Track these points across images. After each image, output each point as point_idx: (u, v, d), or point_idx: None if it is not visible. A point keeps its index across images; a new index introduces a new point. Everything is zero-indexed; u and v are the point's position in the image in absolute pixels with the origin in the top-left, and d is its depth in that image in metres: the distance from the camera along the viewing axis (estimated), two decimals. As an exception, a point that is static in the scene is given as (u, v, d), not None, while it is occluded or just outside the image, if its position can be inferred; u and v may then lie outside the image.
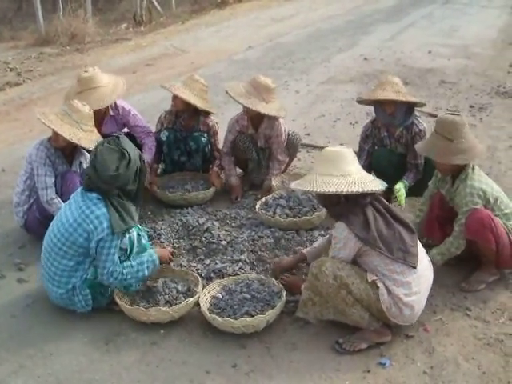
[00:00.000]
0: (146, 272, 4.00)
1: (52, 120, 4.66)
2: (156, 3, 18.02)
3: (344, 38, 13.18)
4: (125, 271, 3.88)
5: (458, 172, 4.17)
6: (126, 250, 3.98)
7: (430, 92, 8.98)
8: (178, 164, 5.86)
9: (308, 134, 7.25)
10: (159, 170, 5.91)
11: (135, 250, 4.06)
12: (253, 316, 3.70)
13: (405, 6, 17.68)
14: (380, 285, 3.52)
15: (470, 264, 4.30)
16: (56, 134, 4.70)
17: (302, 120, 7.79)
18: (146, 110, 7.58)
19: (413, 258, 3.56)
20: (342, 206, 3.62)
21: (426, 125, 5.20)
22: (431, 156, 4.28)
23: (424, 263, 3.69)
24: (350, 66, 10.69)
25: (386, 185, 3.72)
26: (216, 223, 4.98)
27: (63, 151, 4.88)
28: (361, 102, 5.51)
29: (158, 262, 4.09)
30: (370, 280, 3.52)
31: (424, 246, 3.90)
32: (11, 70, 11.75)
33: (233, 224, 5.07)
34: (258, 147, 5.71)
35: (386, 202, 3.77)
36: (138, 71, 11.00)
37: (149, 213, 5.36)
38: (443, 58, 11.08)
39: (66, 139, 4.64)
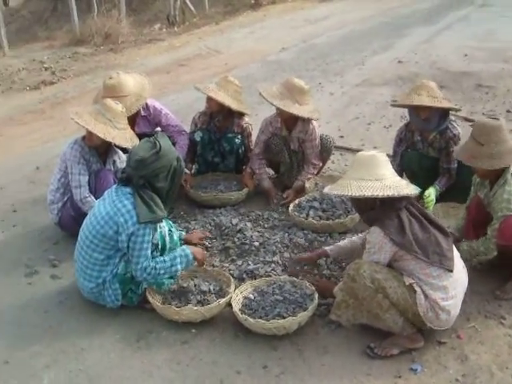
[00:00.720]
0: (179, 267, 4.00)
1: (86, 119, 4.69)
2: (189, 4, 18.10)
3: (379, 41, 13.09)
4: (158, 266, 3.89)
5: (496, 177, 4.09)
6: (158, 244, 4.00)
7: (465, 96, 8.85)
8: (211, 165, 5.87)
9: (342, 137, 7.21)
10: (193, 170, 5.91)
11: (168, 245, 4.08)
12: (284, 318, 3.68)
13: (441, 8, 17.48)
14: (417, 289, 3.47)
15: (505, 271, 4.20)
16: (90, 133, 4.74)
17: (336, 122, 7.75)
18: (180, 109, 7.62)
19: (449, 261, 3.53)
20: (377, 210, 3.60)
21: (460, 129, 5.12)
22: (460, 158, 4.23)
23: (459, 267, 3.65)
24: (385, 69, 10.60)
25: (420, 190, 3.69)
26: (249, 224, 4.97)
27: (97, 150, 4.92)
28: (395, 105, 5.47)
29: (191, 257, 4.07)
30: (407, 283, 3.47)
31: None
32: (46, 69, 11.91)
33: (265, 225, 5.05)
34: (291, 150, 5.66)
35: (421, 206, 3.73)
36: (172, 71, 11.07)
37: (181, 212, 5.38)
38: (479, 62, 10.90)
39: (100, 138, 4.68)
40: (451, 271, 3.52)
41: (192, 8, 18.10)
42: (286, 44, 13.03)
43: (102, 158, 4.97)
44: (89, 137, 4.79)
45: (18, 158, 7.13)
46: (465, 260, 3.97)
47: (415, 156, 5.18)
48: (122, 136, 4.74)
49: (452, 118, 5.18)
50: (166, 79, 10.27)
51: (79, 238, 4.07)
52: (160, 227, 4.01)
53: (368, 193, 3.47)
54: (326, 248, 4.29)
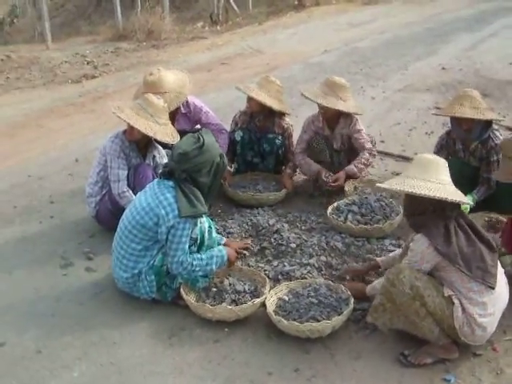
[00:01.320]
0: (214, 267, 4.01)
1: (127, 114, 4.71)
2: (233, 3, 18.17)
3: (422, 46, 12.96)
4: (194, 262, 3.90)
5: None
6: (196, 239, 4.00)
7: (510, 104, 8.68)
8: (250, 165, 5.85)
9: (382, 141, 7.12)
10: (232, 169, 5.90)
11: (206, 242, 4.09)
12: (319, 321, 3.63)
13: (486, 15, 17.24)
14: (456, 301, 3.39)
15: None
16: (131, 128, 4.75)
17: (377, 127, 7.67)
18: (221, 108, 7.61)
19: (492, 278, 3.42)
20: (426, 216, 3.51)
21: (502, 138, 5.01)
22: (499, 179, 4.24)
23: (501, 283, 3.55)
24: (428, 75, 10.48)
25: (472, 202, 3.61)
26: (286, 225, 4.93)
27: (138, 144, 4.93)
28: (437, 114, 5.40)
29: (226, 258, 4.08)
30: (446, 295, 3.40)
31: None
32: (88, 63, 12.07)
33: (302, 227, 5.01)
34: (333, 149, 5.62)
35: (469, 218, 3.62)
36: (214, 69, 11.09)
37: (219, 211, 5.36)
38: (525, 71, 10.73)
39: (141, 132, 4.69)
40: (493, 288, 3.43)
41: (235, 7, 18.17)
42: (328, 46, 12.98)
43: (142, 153, 4.98)
44: (130, 131, 4.80)
45: (58, 149, 7.21)
46: (508, 274, 3.90)
47: (456, 164, 5.04)
48: (163, 131, 4.74)
49: (495, 127, 5.08)
50: (206, 77, 10.29)
51: (118, 228, 4.10)
52: (200, 222, 4.01)
53: (428, 193, 3.38)
54: (378, 259, 4.23)
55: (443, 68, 10.92)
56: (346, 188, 5.41)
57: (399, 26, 15.58)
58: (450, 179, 3.58)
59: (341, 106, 5.37)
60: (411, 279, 3.39)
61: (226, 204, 5.51)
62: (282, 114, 5.74)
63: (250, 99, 5.61)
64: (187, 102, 5.62)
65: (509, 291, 3.66)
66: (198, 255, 3.95)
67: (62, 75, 11.16)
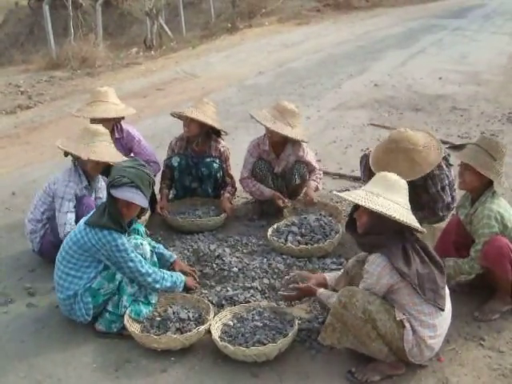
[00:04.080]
0: (178, 282, 4.22)
1: (75, 148, 4.74)
2: (166, 28, 18.19)
3: (354, 64, 13.25)
4: (159, 273, 4.10)
5: (479, 195, 4.15)
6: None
7: (441, 118, 8.98)
8: (189, 190, 5.85)
9: (319, 161, 7.15)
10: (170, 196, 5.88)
11: (149, 262, 4.15)
12: (265, 344, 3.65)
13: (415, 32, 17.78)
14: (407, 324, 3.43)
15: (484, 293, 4.23)
16: (96, 163, 4.75)
17: (313, 146, 7.65)
18: (158, 134, 7.61)
19: (442, 300, 3.50)
20: (385, 236, 3.49)
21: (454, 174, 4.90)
22: (472, 163, 4.12)
23: (448, 306, 3.61)
24: (361, 92, 10.71)
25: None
26: (227, 250, 4.94)
27: (91, 175, 4.91)
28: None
29: (183, 285, 4.25)
30: (398, 319, 3.43)
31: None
32: (22, 93, 11.84)
33: (244, 250, 5.03)
34: (274, 174, 5.64)
35: (423, 241, 3.64)
36: (149, 96, 11.06)
37: (159, 238, 5.31)
38: (454, 85, 11.11)
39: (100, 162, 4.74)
40: (443, 310, 3.50)
41: (169, 32, 18.19)
42: (262, 68, 13.13)
43: (90, 185, 4.95)
44: (94, 166, 4.79)
45: (-6, 183, 7.04)
46: (448, 276, 3.99)
47: None
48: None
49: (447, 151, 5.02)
50: (143, 103, 10.24)
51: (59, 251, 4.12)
52: (135, 238, 4.16)
53: (400, 216, 3.36)
54: (325, 274, 4.11)
55: (375, 85, 11.20)
56: (285, 209, 5.45)
57: (332, 45, 15.88)
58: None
59: (287, 131, 5.36)
60: (364, 303, 3.43)
61: (166, 231, 5.48)
62: (217, 137, 5.78)
63: (188, 123, 5.57)
64: (121, 127, 5.65)
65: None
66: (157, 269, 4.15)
67: (-5, 106, 10.93)
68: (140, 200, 3.92)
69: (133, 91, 11.33)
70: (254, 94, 10.61)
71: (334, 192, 3.91)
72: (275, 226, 5.17)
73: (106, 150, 4.75)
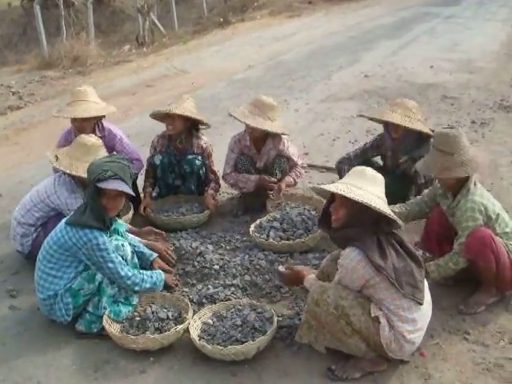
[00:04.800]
0: (158, 283, 4.22)
1: (65, 164, 4.73)
2: (159, 24, 18.10)
3: (345, 55, 13.19)
4: (138, 275, 4.08)
5: (459, 187, 4.07)
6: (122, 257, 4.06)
7: (431, 108, 8.91)
8: (172, 188, 5.80)
9: (306, 154, 7.17)
10: (154, 194, 5.83)
11: (129, 264, 4.12)
12: (243, 343, 3.61)
13: (407, 21, 17.71)
14: (382, 320, 3.37)
15: (469, 285, 4.18)
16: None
17: (301, 139, 7.71)
18: (145, 131, 7.55)
19: (420, 293, 3.43)
20: (358, 229, 3.41)
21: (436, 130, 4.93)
22: (434, 173, 4.21)
23: (427, 299, 3.55)
24: (351, 84, 10.65)
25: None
26: (210, 247, 4.89)
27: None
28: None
29: (162, 284, 4.25)
30: (373, 315, 3.37)
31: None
32: (13, 93, 11.79)
33: (227, 247, 4.98)
34: (256, 168, 5.59)
35: (399, 235, 3.57)
36: (138, 93, 10.99)
37: (143, 236, 5.27)
38: (445, 73, 11.04)
39: None
40: (421, 304, 3.43)
41: (161, 28, 18.11)
42: (253, 62, 13.07)
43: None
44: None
45: (-20, 185, 6.99)
46: (433, 280, 3.98)
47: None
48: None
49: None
50: (131, 101, 10.19)
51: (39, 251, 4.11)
52: (117, 239, 4.12)
53: (379, 207, 3.29)
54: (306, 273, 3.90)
55: (366, 76, 11.13)
56: (269, 205, 5.40)
57: (323, 37, 15.81)
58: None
59: (268, 126, 5.32)
60: (336, 298, 3.37)
61: (152, 230, 5.43)
62: (198, 134, 5.75)
63: (173, 120, 5.52)
64: (103, 126, 5.63)
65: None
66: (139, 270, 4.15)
67: (-15, 108, 10.89)
68: (127, 189, 4.00)
69: (123, 88, 11.28)
70: (243, 88, 10.54)
71: (312, 185, 3.85)
72: (258, 221, 5.12)
73: None
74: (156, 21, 18.25)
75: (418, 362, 3.60)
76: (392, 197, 4.63)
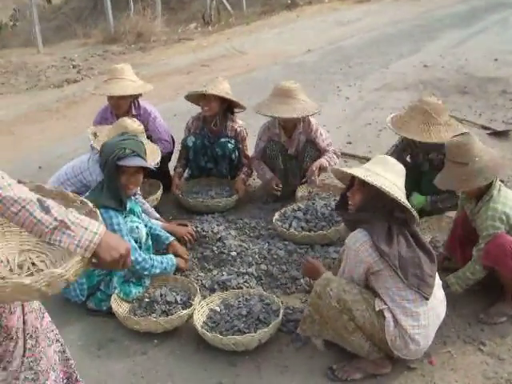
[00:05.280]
0: (168, 268, 4.19)
1: None
2: (227, 3, 18.08)
3: (408, 44, 12.81)
4: (149, 260, 4.03)
5: (481, 193, 3.84)
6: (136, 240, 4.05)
7: (488, 103, 8.51)
8: (204, 170, 5.76)
9: (350, 143, 7.01)
10: (186, 175, 5.81)
11: (143, 247, 4.11)
12: (245, 333, 3.54)
13: (478, 10, 17.04)
14: (387, 315, 3.24)
15: (494, 293, 3.92)
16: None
17: (347, 128, 7.54)
18: (192, 110, 7.51)
19: (427, 288, 3.27)
20: (373, 214, 3.32)
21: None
22: (449, 187, 4.03)
23: (438, 297, 3.40)
24: (408, 73, 10.33)
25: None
26: (233, 232, 4.83)
27: None
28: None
29: (174, 269, 4.22)
30: (377, 309, 3.24)
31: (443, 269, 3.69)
32: (74, 67, 12.03)
33: (251, 234, 4.90)
34: (287, 155, 5.47)
35: (414, 227, 3.44)
36: (193, 72, 10.99)
37: (170, 217, 5.25)
38: (510, 67, 10.53)
39: None
40: (427, 299, 3.27)
41: (229, 7, 18.08)
42: (312, 46, 12.87)
43: None
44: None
45: (24, 157, 7.12)
46: (455, 292, 3.83)
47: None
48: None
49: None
50: (184, 80, 10.19)
51: None
52: (132, 221, 4.09)
53: (394, 193, 3.20)
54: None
55: (425, 65, 10.77)
56: (299, 193, 5.30)
57: (388, 24, 15.42)
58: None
59: (298, 112, 5.18)
60: (339, 292, 3.26)
61: (179, 211, 5.43)
62: (233, 117, 5.67)
63: (208, 101, 5.45)
64: (139, 104, 5.62)
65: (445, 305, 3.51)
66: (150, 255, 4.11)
67: (45, 80, 11.13)
68: (147, 164, 4.05)
69: (177, 67, 11.31)
70: (298, 73, 10.37)
71: (331, 168, 3.72)
72: (283, 210, 5.01)
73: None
74: (224, 0, 18.23)
75: (425, 369, 3.43)
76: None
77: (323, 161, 5.36)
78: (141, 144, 4.04)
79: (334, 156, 5.46)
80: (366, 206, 3.36)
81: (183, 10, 20.47)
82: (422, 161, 4.92)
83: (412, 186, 4.69)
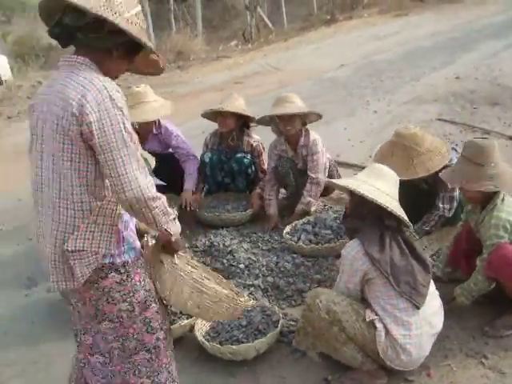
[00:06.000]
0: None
1: None
2: (267, 21, 18.27)
3: (442, 56, 12.72)
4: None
5: (486, 202, 3.82)
6: None
7: (519, 114, 8.41)
8: (222, 185, 5.87)
9: (371, 156, 7.00)
10: (204, 191, 5.92)
11: None
12: (243, 343, 3.62)
13: (519, 20, 16.76)
14: (378, 325, 3.26)
15: (501, 306, 3.85)
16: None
17: (371, 142, 7.51)
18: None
19: (420, 297, 3.29)
20: (365, 222, 3.38)
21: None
22: (457, 184, 4.00)
23: (433, 308, 3.40)
24: (439, 85, 10.26)
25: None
26: (245, 245, 4.93)
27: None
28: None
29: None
30: (368, 319, 3.27)
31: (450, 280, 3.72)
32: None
33: (263, 247, 4.99)
34: (297, 170, 5.52)
35: (408, 235, 3.50)
36: (226, 89, 11.12)
37: (187, 231, 5.35)
38: (546, 79, 10.35)
39: None
40: (418, 308, 3.28)
41: (270, 24, 18.26)
42: (346, 60, 12.93)
43: None
44: None
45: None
46: (461, 304, 3.81)
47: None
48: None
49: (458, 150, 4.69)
50: (218, 97, 10.26)
51: None
52: None
53: (377, 198, 3.24)
54: None
55: (457, 77, 10.68)
56: (313, 208, 5.36)
57: (423, 37, 15.34)
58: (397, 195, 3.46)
59: (290, 109, 5.24)
60: (328, 303, 3.32)
61: (197, 225, 5.55)
62: (249, 132, 5.77)
63: (224, 118, 5.58)
64: (160, 123, 5.71)
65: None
66: None
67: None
68: None
69: (212, 85, 11.50)
70: (329, 88, 10.46)
71: (327, 180, 3.79)
72: (294, 223, 5.09)
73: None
74: (265, 17, 18.44)
75: (422, 382, 3.39)
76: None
77: (300, 208, 5.34)
78: None
79: (312, 187, 5.32)
80: (354, 214, 3.47)
81: (225, 29, 20.77)
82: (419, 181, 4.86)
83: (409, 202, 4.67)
